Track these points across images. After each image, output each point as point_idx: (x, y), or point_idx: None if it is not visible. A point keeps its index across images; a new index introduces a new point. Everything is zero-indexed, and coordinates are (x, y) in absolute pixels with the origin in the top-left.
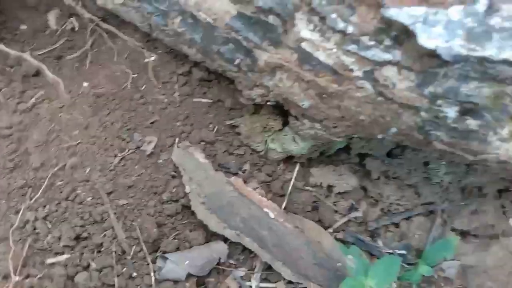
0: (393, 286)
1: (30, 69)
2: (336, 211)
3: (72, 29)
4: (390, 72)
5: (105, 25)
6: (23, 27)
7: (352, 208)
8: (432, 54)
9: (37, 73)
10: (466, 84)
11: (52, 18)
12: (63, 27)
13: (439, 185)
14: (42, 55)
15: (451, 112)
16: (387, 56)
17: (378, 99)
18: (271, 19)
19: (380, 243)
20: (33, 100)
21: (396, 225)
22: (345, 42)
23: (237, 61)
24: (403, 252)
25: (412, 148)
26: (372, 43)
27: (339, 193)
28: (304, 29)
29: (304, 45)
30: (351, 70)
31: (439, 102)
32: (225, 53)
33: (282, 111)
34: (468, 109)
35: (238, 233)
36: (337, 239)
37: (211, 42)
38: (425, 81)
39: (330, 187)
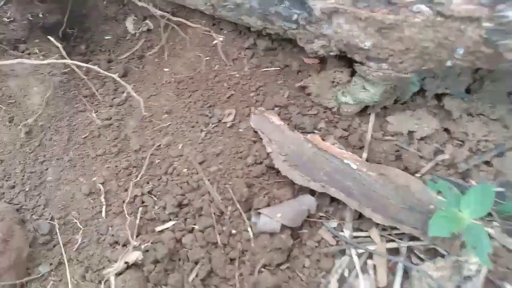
0: (494, 224)
1: (120, 70)
2: (421, 157)
3: (148, 29)
4: None
5: (175, 18)
6: (107, 37)
7: (437, 152)
8: None
9: (125, 74)
10: None
11: (129, 24)
12: (140, 29)
13: None
14: (127, 58)
15: None
16: None
17: (438, 19)
18: None
19: (473, 183)
20: (125, 94)
21: (488, 163)
22: None
23: (294, 17)
24: (501, 189)
25: (490, 79)
26: None
27: (421, 138)
28: None
29: None
30: None
31: (499, 7)
32: (282, 11)
33: (348, 61)
34: None
35: (323, 184)
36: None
37: (268, 5)
38: None
39: (410, 133)
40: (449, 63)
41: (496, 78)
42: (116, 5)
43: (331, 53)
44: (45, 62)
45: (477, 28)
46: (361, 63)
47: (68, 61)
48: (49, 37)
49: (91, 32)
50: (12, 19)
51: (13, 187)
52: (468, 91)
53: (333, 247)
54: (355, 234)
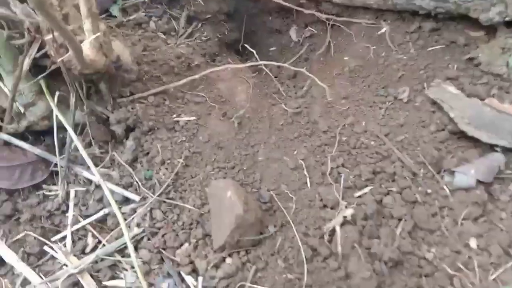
0: None
1: (290, 72)
2: None
3: (311, 35)
4: None
5: (340, 19)
6: (273, 48)
7: None
8: None
9: (295, 75)
10: None
11: (293, 33)
12: (302, 36)
13: None
14: (294, 62)
15: None
16: None
17: None
18: None
19: None
20: (305, 87)
21: None
22: None
23: None
24: None
25: None
26: None
27: None
28: None
29: None
30: None
31: None
32: None
33: None
34: None
35: (510, 141)
36: None
37: None
38: None
39: None
40: None
41: None
42: (280, 19)
43: (507, 19)
44: (247, 65)
45: None
46: None
47: (263, 62)
48: (245, 45)
49: (258, 46)
50: (208, 37)
51: (233, 167)
52: None
53: None
54: None
